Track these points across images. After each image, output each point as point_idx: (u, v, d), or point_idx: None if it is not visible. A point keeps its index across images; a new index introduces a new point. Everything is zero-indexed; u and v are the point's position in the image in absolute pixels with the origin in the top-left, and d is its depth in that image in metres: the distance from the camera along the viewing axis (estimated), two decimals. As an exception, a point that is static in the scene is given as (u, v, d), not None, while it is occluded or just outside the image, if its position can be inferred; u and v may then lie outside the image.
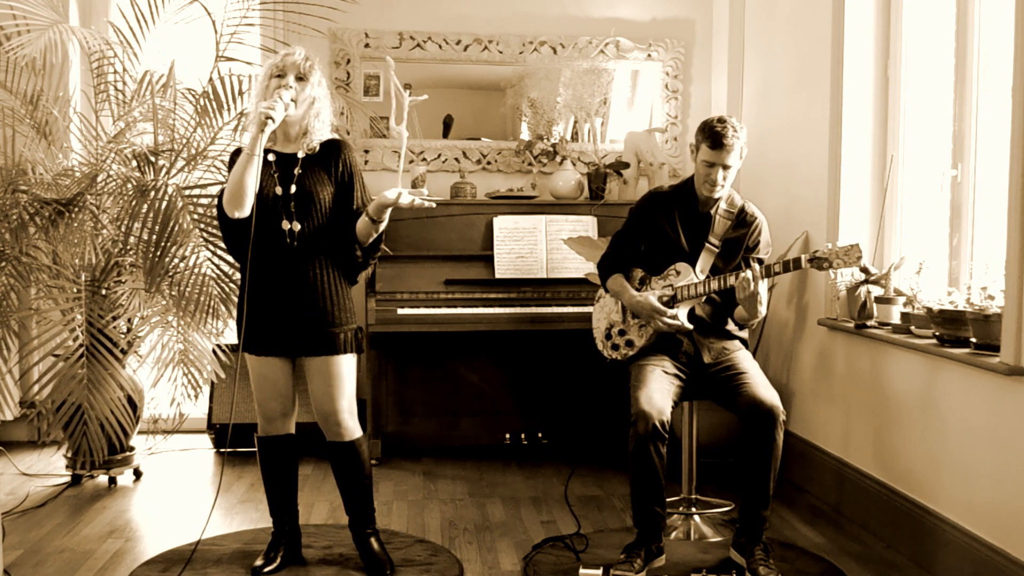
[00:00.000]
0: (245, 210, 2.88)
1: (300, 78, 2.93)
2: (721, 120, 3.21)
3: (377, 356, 4.55)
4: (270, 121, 2.81)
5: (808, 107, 4.17)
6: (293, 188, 2.97)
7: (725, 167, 3.21)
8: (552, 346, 4.67)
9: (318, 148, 3.02)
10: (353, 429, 3.09)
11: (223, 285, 3.86)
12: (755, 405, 3.08)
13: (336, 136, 3.11)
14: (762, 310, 3.18)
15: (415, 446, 4.69)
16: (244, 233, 2.91)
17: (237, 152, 3.02)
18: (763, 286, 3.12)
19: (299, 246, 2.98)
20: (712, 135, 3.18)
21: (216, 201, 3.08)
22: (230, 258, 3.83)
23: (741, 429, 3.15)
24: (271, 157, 3.01)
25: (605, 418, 4.63)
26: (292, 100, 2.90)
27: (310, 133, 3.00)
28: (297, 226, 2.97)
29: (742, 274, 3.10)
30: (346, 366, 3.04)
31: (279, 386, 3.09)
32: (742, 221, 3.34)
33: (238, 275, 3.89)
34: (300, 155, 3.00)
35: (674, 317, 3.24)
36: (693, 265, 3.30)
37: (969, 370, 3.02)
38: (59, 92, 4.18)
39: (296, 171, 2.99)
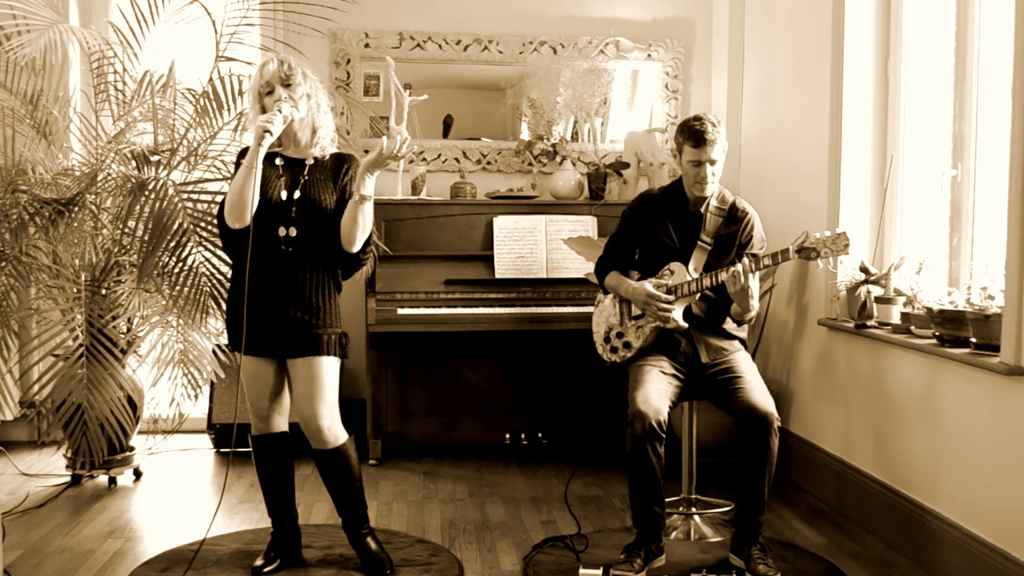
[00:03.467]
0: (245, 221, 2.90)
1: (286, 84, 2.94)
2: (697, 118, 3.23)
3: (377, 356, 4.54)
4: (267, 135, 2.83)
5: (808, 107, 4.17)
6: (297, 194, 2.98)
7: (712, 162, 3.22)
8: (552, 346, 4.67)
9: (329, 160, 3.04)
10: (336, 435, 3.06)
11: (216, 285, 3.86)
12: (749, 411, 3.08)
13: (343, 151, 3.13)
14: (754, 304, 3.17)
15: (415, 446, 4.69)
16: (242, 236, 2.92)
17: (243, 152, 3.03)
18: (754, 280, 3.12)
19: (293, 252, 2.99)
20: (693, 134, 3.20)
21: (218, 208, 3.09)
22: (226, 257, 3.84)
23: (737, 433, 3.16)
24: (279, 161, 3.02)
25: (605, 418, 4.63)
26: (292, 108, 2.92)
27: (318, 130, 3.02)
28: (294, 232, 2.98)
29: (732, 268, 3.11)
30: (328, 369, 3.03)
31: (270, 384, 3.10)
32: (733, 217, 3.34)
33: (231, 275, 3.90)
34: (309, 162, 3.03)
35: (670, 302, 3.25)
36: (686, 264, 3.30)
37: (969, 370, 3.02)
38: (59, 92, 4.18)
39: (302, 178, 3.01)
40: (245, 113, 4.13)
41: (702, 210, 3.33)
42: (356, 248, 3.01)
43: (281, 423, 3.18)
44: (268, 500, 3.19)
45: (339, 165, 3.05)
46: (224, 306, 3.86)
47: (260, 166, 2.86)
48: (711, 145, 3.19)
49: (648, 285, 3.30)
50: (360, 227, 2.96)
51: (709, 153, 3.20)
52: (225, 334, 4.02)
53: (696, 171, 3.23)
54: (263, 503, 3.23)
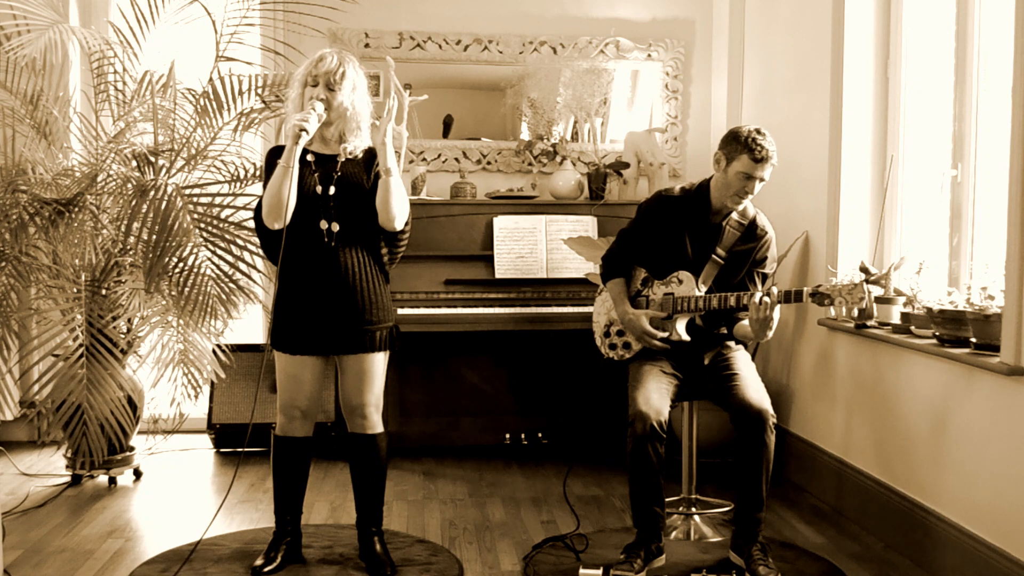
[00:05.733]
0: (284, 221, 2.91)
1: (330, 88, 2.95)
2: (760, 132, 3.13)
3: (377, 356, 4.54)
4: (304, 134, 2.85)
5: (808, 107, 4.17)
6: (333, 189, 2.99)
7: (761, 179, 3.16)
8: (552, 346, 4.67)
9: (360, 155, 3.05)
10: (376, 423, 3.15)
11: (223, 285, 3.86)
12: (744, 408, 3.08)
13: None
14: (769, 335, 3.11)
15: (415, 446, 4.69)
16: (282, 236, 2.92)
17: (273, 152, 3.03)
18: (776, 311, 3.05)
19: (336, 245, 3.00)
20: (757, 148, 3.09)
21: (255, 211, 3.10)
22: (230, 258, 3.85)
23: (733, 431, 3.16)
24: (309, 157, 3.03)
25: (605, 418, 4.63)
26: (326, 108, 2.94)
27: (346, 140, 3.03)
28: (336, 226, 2.99)
29: (760, 296, 3.02)
30: (379, 363, 3.10)
31: (306, 386, 3.10)
32: (752, 234, 3.29)
33: (239, 275, 3.90)
34: (340, 158, 3.03)
35: (664, 338, 3.23)
36: (696, 275, 3.28)
37: (969, 370, 3.02)
38: (59, 92, 4.18)
39: (335, 173, 3.02)
40: (245, 113, 4.13)
41: (722, 223, 3.28)
42: (399, 224, 3.02)
43: (308, 427, 3.18)
44: (278, 500, 3.20)
45: (371, 158, 3.06)
46: (230, 308, 3.87)
47: (297, 166, 2.88)
48: (769, 164, 3.13)
49: (644, 321, 3.26)
50: (394, 201, 2.97)
51: (764, 171, 3.13)
52: (227, 334, 4.05)
53: (744, 184, 3.14)
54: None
